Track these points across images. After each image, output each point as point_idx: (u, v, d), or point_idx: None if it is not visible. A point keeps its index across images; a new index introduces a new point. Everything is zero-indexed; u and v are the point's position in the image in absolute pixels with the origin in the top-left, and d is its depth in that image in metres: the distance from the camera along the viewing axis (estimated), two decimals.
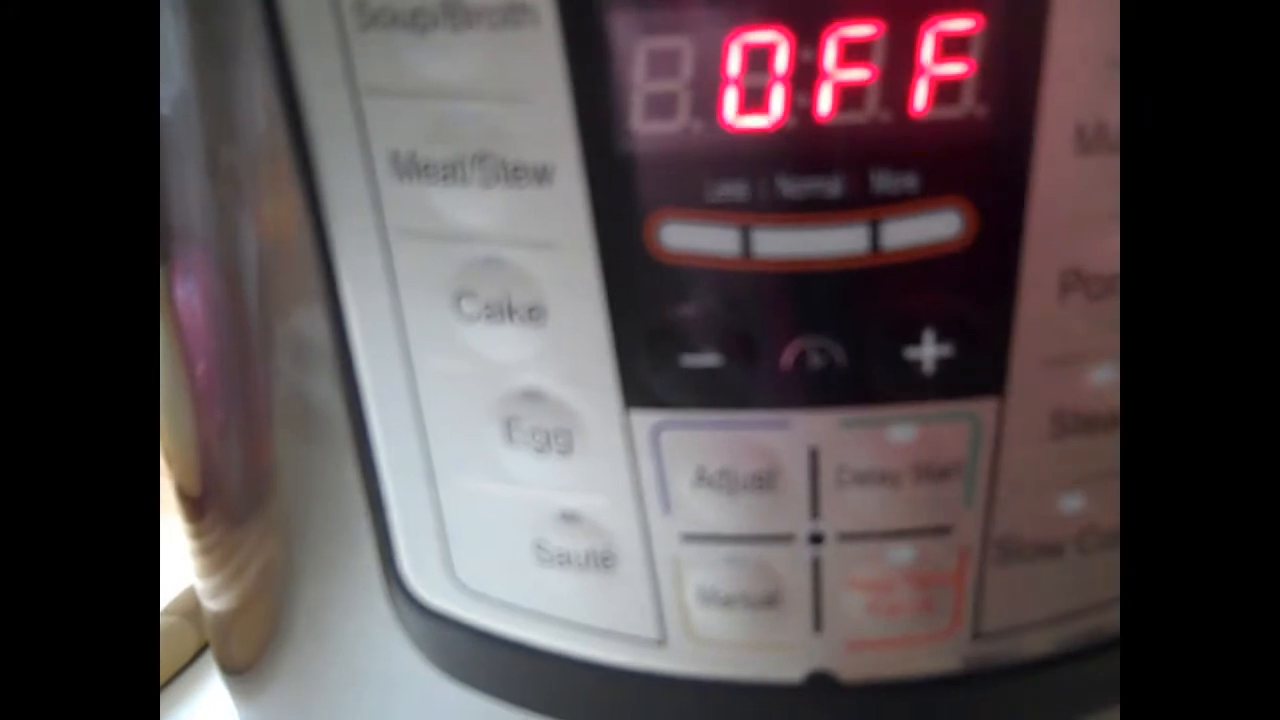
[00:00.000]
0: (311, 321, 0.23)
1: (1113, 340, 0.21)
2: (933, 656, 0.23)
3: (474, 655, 0.25)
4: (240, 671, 0.32)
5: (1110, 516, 0.22)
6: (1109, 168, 0.19)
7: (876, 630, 0.23)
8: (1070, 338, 0.21)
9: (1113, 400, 0.21)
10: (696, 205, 0.20)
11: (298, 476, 0.27)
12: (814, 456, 0.21)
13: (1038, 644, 0.23)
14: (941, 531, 0.22)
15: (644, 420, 0.21)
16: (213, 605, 0.32)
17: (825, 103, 0.19)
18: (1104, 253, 0.20)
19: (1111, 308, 0.20)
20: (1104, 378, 0.21)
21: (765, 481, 0.22)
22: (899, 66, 0.19)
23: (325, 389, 0.24)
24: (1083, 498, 0.22)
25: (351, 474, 0.25)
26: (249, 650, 0.31)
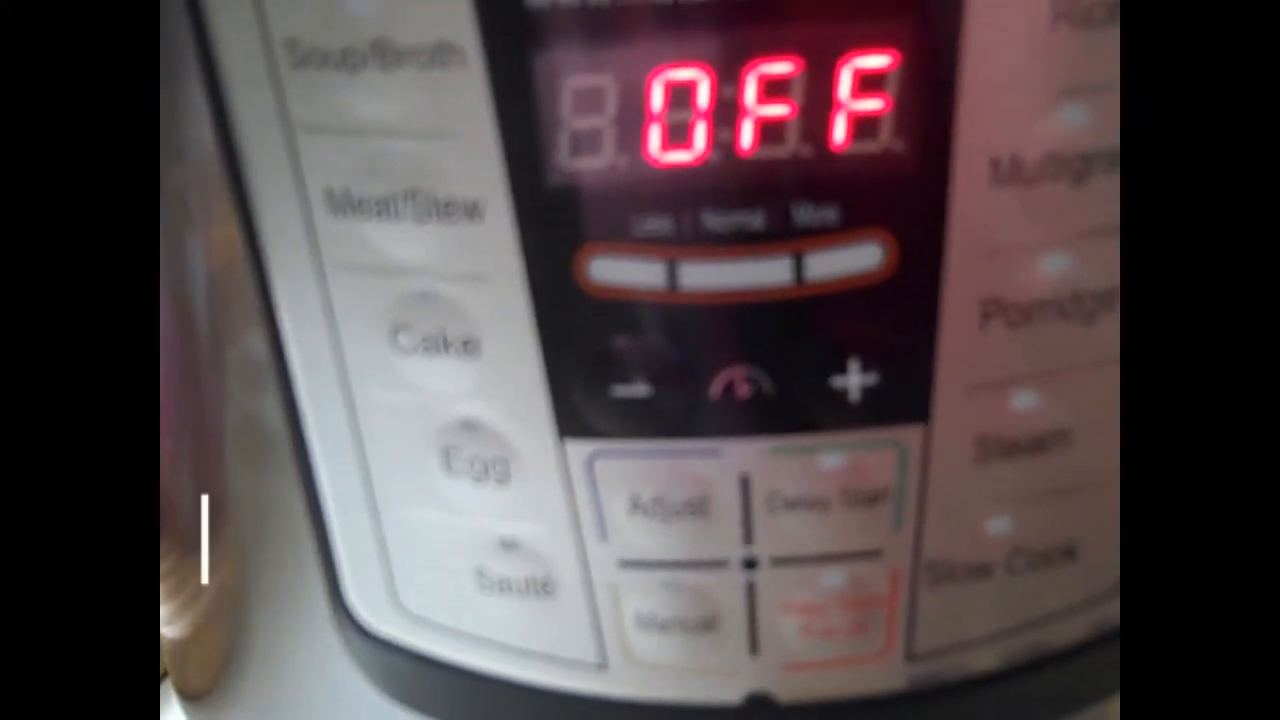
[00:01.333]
0: (258, 350, 0.24)
1: (1034, 366, 0.21)
2: (868, 677, 0.24)
3: (420, 680, 0.25)
4: (198, 698, 0.33)
5: (1036, 538, 0.23)
6: (1024, 199, 0.20)
7: (812, 652, 0.23)
8: (992, 365, 0.21)
9: (1035, 424, 0.22)
10: (623, 239, 0.20)
11: (248, 504, 0.27)
12: (745, 483, 0.22)
13: (971, 663, 0.24)
14: (872, 555, 0.22)
15: (578, 449, 0.22)
16: (169, 631, 0.32)
17: (747, 138, 0.19)
18: (1022, 281, 0.20)
19: (1031, 335, 0.21)
20: (1026, 403, 0.21)
21: (698, 508, 0.22)
22: (818, 102, 0.19)
23: (272, 418, 0.24)
24: (1009, 520, 0.22)
25: (299, 502, 0.25)
26: (206, 677, 0.32)
